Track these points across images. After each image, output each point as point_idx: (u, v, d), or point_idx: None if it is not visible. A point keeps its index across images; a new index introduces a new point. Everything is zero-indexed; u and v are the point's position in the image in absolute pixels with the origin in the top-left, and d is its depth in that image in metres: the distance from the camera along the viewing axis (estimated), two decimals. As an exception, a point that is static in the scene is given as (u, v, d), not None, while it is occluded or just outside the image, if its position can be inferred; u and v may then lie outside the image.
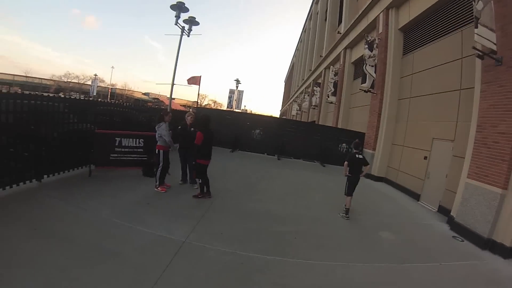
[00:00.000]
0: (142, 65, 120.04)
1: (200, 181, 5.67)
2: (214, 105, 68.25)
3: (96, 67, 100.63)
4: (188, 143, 5.92)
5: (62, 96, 7.21)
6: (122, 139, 6.59)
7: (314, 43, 29.48)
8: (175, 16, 8.25)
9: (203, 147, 5.42)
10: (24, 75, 48.92)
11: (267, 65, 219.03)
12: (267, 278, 3.27)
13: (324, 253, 4.09)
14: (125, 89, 57.50)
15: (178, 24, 8.55)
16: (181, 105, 50.32)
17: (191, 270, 3.18)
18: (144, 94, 58.97)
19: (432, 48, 8.81)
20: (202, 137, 5.33)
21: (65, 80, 52.84)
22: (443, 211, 6.85)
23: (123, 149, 6.62)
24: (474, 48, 5.30)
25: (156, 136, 5.88)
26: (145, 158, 6.78)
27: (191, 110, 7.70)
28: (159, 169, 5.85)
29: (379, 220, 5.97)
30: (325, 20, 24.63)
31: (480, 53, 5.30)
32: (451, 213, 6.07)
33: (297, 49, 51.41)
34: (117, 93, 55.08)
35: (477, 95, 5.76)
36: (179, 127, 6.34)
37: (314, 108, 25.24)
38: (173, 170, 6.67)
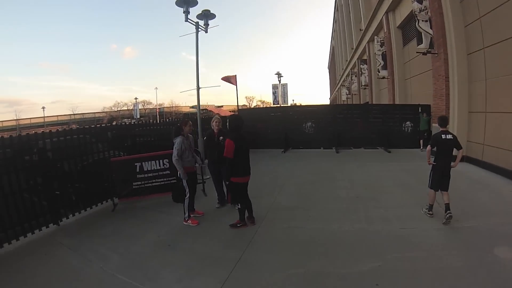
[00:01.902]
0: (185, 80, 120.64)
1: (239, 206, 4.33)
2: (263, 105, 67.15)
3: (142, 91, 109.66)
4: (218, 156, 4.77)
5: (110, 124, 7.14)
6: (143, 163, 5.73)
7: (350, 19, 26.74)
8: (184, 12, 7.33)
9: (236, 159, 4.07)
10: (72, 113, 55.57)
11: (308, 55, 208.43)
12: None
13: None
14: (172, 106, 59.15)
15: (189, 20, 7.57)
16: (230, 111, 50.43)
17: None
18: (192, 107, 60.83)
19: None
20: (233, 146, 4.00)
21: (116, 110, 57.78)
22: None
23: (146, 175, 5.76)
24: None
25: None
26: (175, 181, 5.73)
27: (217, 114, 6.81)
28: (186, 197, 4.61)
29: (482, 225, 4.09)
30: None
31: None
32: None
33: (333, 30, 47.91)
34: (166, 112, 56.48)
35: None
36: (204, 137, 5.42)
37: (365, 88, 22.82)
38: (209, 190, 5.74)
